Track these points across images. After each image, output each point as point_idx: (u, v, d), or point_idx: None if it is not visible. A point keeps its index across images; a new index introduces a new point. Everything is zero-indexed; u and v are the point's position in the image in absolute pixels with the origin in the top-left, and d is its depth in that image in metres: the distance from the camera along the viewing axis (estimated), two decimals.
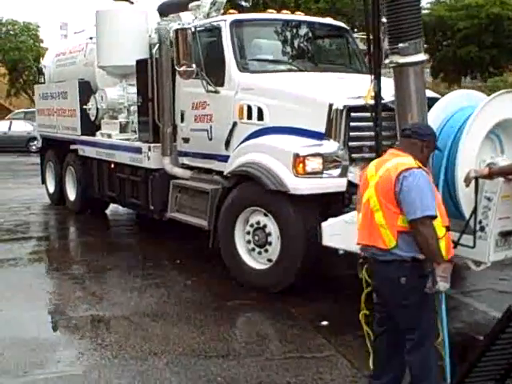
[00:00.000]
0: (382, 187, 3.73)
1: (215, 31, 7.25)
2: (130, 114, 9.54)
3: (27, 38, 34.89)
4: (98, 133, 10.10)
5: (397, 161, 3.78)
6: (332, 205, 6.17)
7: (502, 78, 25.97)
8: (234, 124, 6.90)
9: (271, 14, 7.82)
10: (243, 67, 7.04)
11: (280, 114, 6.46)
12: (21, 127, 27.02)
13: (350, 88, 6.60)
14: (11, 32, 35.52)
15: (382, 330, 3.98)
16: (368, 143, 6.15)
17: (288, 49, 7.73)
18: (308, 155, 5.96)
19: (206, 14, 8.53)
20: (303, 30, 7.79)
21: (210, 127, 7.32)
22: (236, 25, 7.25)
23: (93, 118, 10.30)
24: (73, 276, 7.08)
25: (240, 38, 7.20)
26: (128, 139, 9.29)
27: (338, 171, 6.06)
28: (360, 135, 6.17)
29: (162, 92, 7.98)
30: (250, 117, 6.75)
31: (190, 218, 7.67)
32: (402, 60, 4.40)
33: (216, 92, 7.15)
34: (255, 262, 6.50)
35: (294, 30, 7.74)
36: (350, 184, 6.06)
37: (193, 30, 7.03)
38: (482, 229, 4.90)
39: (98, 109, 10.09)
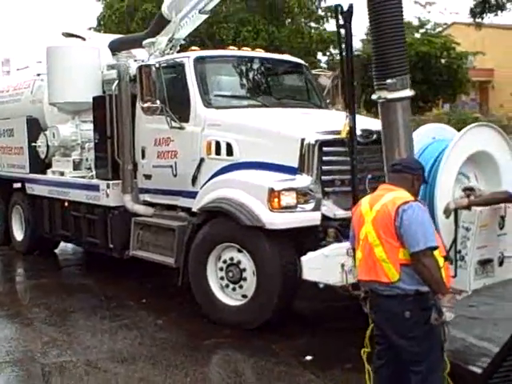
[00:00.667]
0: (381, 222, 3.77)
1: (178, 68, 7.24)
2: (84, 152, 9.33)
3: None
4: (48, 171, 9.82)
5: (393, 195, 3.83)
6: (306, 239, 6.18)
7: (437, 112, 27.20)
8: (202, 160, 6.86)
9: (233, 51, 7.88)
10: (208, 103, 7.04)
11: (250, 149, 6.48)
12: None
13: (317, 123, 6.73)
14: None
15: (381, 362, 3.99)
16: (340, 177, 6.26)
17: (250, 85, 7.81)
18: (282, 190, 5.99)
19: (161, 51, 8.58)
20: (264, 67, 7.88)
21: (175, 163, 7.25)
22: (199, 61, 7.26)
23: (43, 156, 10.02)
24: (35, 320, 6.79)
25: (204, 74, 7.21)
26: (82, 177, 9.08)
27: (311, 205, 6.10)
28: (332, 169, 6.25)
29: (122, 129, 7.86)
30: (218, 152, 6.73)
31: (154, 255, 7.53)
32: (390, 95, 4.51)
33: (181, 128, 7.10)
34: (229, 298, 6.42)
35: (256, 67, 7.84)
36: (324, 217, 6.11)
37: (157, 66, 6.97)
38: (462, 258, 5.04)
39: (48, 146, 9.82)
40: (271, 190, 5.97)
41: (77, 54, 9.26)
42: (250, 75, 7.80)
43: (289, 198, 6.01)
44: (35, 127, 10.27)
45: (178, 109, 7.13)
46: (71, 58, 9.20)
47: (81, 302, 7.52)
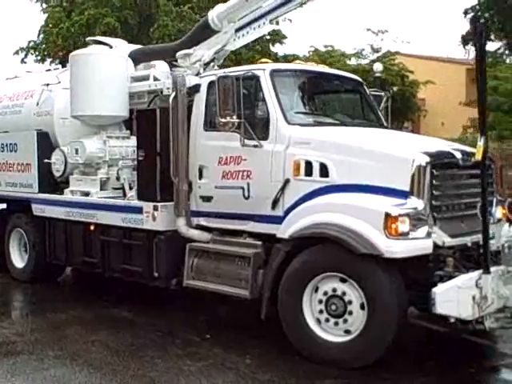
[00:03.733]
0: None
1: (252, 81, 6.64)
2: (111, 170, 8.54)
3: None
4: (67, 190, 8.90)
5: None
6: (413, 268, 5.72)
7: None
8: (287, 181, 6.29)
9: (307, 66, 7.38)
10: (290, 120, 6.47)
11: (350, 170, 5.97)
12: None
13: (415, 143, 6.31)
14: None
15: None
16: (450, 201, 5.86)
17: (324, 102, 7.32)
18: (399, 215, 5.49)
19: (203, 64, 8.00)
20: (335, 84, 7.42)
21: (248, 184, 6.63)
22: (276, 74, 6.71)
23: (58, 174, 9.11)
24: (102, 363, 5.94)
25: (282, 88, 6.65)
26: (112, 197, 8.29)
27: (423, 232, 5.65)
28: (442, 193, 5.83)
29: (177, 145, 7.16)
30: (308, 173, 6.17)
31: (217, 286, 6.88)
32: None
33: (257, 146, 6.49)
34: (328, 333, 5.85)
35: (328, 83, 7.36)
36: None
37: (236, 78, 6.36)
38: None
39: (66, 163, 8.93)
40: (388, 215, 5.47)
41: (105, 63, 8.55)
42: (325, 92, 7.31)
43: (404, 224, 5.53)
44: (46, 142, 9.36)
45: (255, 125, 6.55)
46: (99, 66, 8.47)
47: (137, 338, 6.72)
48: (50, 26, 29.26)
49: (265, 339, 6.53)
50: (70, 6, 28.84)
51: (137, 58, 9.13)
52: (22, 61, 30.33)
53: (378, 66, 8.52)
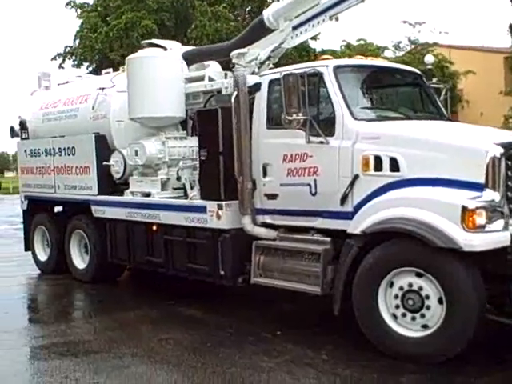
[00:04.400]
0: None
1: (316, 77, 6.64)
2: (171, 170, 8.64)
3: None
4: (127, 191, 9.03)
5: None
6: (490, 261, 5.67)
7: None
8: (356, 177, 6.28)
9: (369, 61, 7.37)
10: (356, 115, 6.46)
11: (421, 164, 5.94)
12: None
13: (486, 135, 6.26)
14: None
15: None
16: None
17: (388, 96, 7.30)
18: (476, 208, 5.45)
19: (260, 63, 8.04)
20: (396, 77, 7.40)
21: (315, 181, 6.64)
22: (339, 70, 6.70)
23: (118, 176, 9.26)
24: (179, 360, 6.04)
25: (346, 84, 6.65)
26: (173, 197, 8.40)
27: (501, 224, 5.60)
28: None
29: (241, 144, 7.21)
30: (378, 168, 6.16)
31: (286, 283, 6.90)
32: None
33: (323, 142, 6.50)
34: (404, 328, 5.83)
35: (390, 77, 7.35)
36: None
37: (300, 75, 6.38)
38: None
39: (125, 165, 9.07)
40: (465, 209, 5.44)
41: (161, 65, 8.66)
42: (387, 86, 7.29)
43: (481, 217, 5.49)
44: (104, 145, 9.51)
45: (320, 122, 6.56)
46: (156, 68, 8.58)
47: (209, 335, 6.80)
48: (86, 30, 29.73)
49: (337, 335, 6.56)
50: (104, 10, 29.24)
51: (190, 59, 9.22)
52: (60, 66, 30.85)
53: (429, 58, 8.47)
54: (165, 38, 22.27)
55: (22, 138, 11.45)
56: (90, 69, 29.24)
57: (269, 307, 7.87)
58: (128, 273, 10.37)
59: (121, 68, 10.16)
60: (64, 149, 10.16)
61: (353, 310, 6.12)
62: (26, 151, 11.17)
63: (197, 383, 5.44)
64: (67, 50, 31.64)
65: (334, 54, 23.48)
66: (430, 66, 7.62)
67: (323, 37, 37.27)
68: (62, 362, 6.07)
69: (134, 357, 6.17)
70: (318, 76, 6.62)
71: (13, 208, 28.29)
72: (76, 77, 12.24)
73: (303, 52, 23.46)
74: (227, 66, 10.27)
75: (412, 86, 7.59)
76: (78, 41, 30.74)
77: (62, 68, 29.87)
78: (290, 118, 6.38)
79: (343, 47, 31.92)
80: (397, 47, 27.12)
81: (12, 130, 12.02)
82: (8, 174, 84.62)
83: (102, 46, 26.12)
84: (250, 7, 25.98)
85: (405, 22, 28.57)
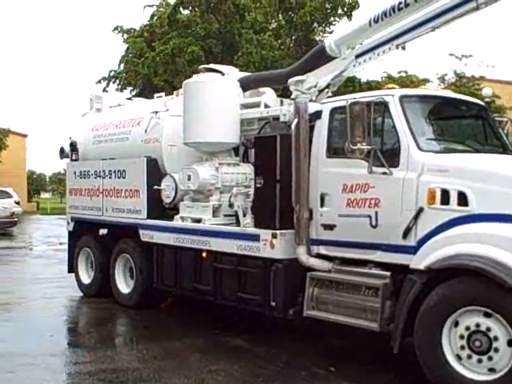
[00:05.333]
0: None
1: (381, 106, 6.48)
2: (223, 197, 8.52)
3: None
4: (177, 217, 8.93)
5: None
6: None
7: None
8: (420, 209, 6.06)
9: (435, 91, 7.21)
10: (422, 147, 6.27)
11: (491, 199, 5.70)
12: None
13: None
14: None
15: None
16: None
17: (455, 128, 7.09)
18: None
19: (319, 90, 7.95)
20: (463, 109, 7.21)
21: (376, 213, 6.44)
22: (405, 100, 6.53)
23: (168, 200, 9.17)
24: None
25: (411, 114, 6.47)
26: (224, 224, 8.26)
27: None
28: None
29: (299, 172, 7.06)
30: (445, 202, 5.93)
31: (341, 317, 6.68)
32: None
33: (387, 173, 6.31)
34: (470, 371, 5.54)
35: (455, 108, 7.14)
36: None
37: (367, 103, 6.22)
38: None
39: (176, 190, 8.98)
40: None
41: (219, 90, 8.59)
42: (452, 117, 7.10)
43: None
44: (155, 168, 9.45)
45: (384, 152, 6.37)
46: (213, 93, 8.52)
47: (260, 368, 6.62)
48: (131, 55, 30.17)
49: (393, 373, 6.31)
50: (150, 36, 29.65)
51: (246, 85, 9.16)
52: (104, 89, 31.27)
53: (487, 91, 8.27)
54: (211, 64, 22.50)
55: (71, 160, 11.47)
56: (134, 93, 29.63)
57: (318, 340, 7.66)
58: (170, 299, 10.18)
59: (174, 92, 10.16)
60: (114, 171, 10.12)
61: (410, 348, 5.87)
62: (75, 172, 11.19)
63: None
64: (111, 73, 32.14)
65: (379, 84, 23.30)
66: (488, 99, 7.46)
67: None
68: None
69: None
70: (384, 105, 6.46)
71: (51, 228, 28.75)
72: (126, 100, 12.30)
73: (348, 82, 23.34)
74: (282, 93, 10.26)
75: (477, 118, 7.37)
76: (122, 65, 31.21)
77: (106, 91, 30.26)
78: (354, 147, 6.21)
79: (384, 78, 31.68)
80: (442, 80, 26.83)
81: (62, 151, 12.09)
82: (44, 195, 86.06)
83: (147, 71, 26.40)
84: (296, 36, 26.03)
85: (451, 54, 28.26)
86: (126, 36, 32.20)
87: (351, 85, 23.03)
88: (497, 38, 67.33)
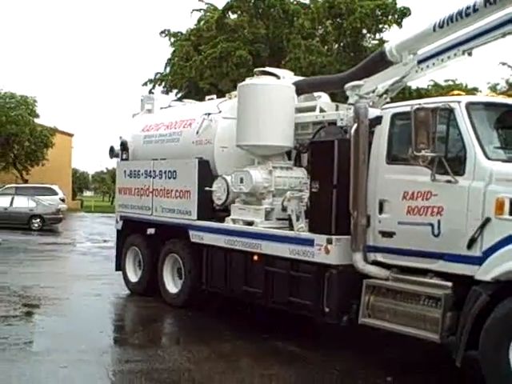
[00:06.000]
0: None
1: (446, 113, 6.31)
2: (275, 200, 8.44)
3: (24, 111, 33.62)
4: (228, 219, 8.87)
5: None
6: None
7: None
8: (487, 220, 5.87)
9: (502, 99, 7.00)
10: (490, 155, 6.08)
11: None
12: (23, 203, 25.39)
13: None
14: (8, 105, 34.26)
15: None
16: None
17: None
18: None
19: (378, 96, 7.83)
20: None
21: (438, 221, 6.27)
22: (472, 107, 6.35)
23: (219, 202, 9.13)
24: None
25: (478, 121, 6.29)
26: (276, 228, 8.17)
27: None
28: None
29: (358, 178, 6.93)
30: None
31: (398, 326, 6.53)
32: None
33: (452, 182, 6.13)
34: None
35: None
36: None
37: (432, 109, 6.06)
38: None
39: (228, 192, 8.93)
40: None
41: (275, 93, 8.51)
42: None
43: None
44: (206, 170, 9.42)
45: (449, 160, 6.20)
46: (269, 96, 8.44)
47: (315, 374, 6.53)
48: (177, 58, 30.41)
49: None
50: (197, 40, 29.85)
51: (300, 89, 9.07)
52: (150, 91, 31.59)
53: None
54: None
55: (121, 159, 11.54)
56: (179, 95, 29.85)
57: (371, 350, 7.52)
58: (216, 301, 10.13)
59: (227, 95, 10.14)
60: (165, 171, 10.13)
61: (469, 361, 5.68)
62: (125, 172, 11.24)
63: None
64: (158, 76, 32.46)
65: (428, 92, 23.01)
66: None
67: None
68: None
69: None
70: (450, 111, 6.29)
71: (95, 226, 29.16)
72: (176, 101, 12.33)
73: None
74: (334, 98, 10.14)
75: None
76: (168, 68, 31.50)
77: (152, 93, 30.55)
78: (418, 153, 6.06)
79: (431, 86, 31.21)
80: (493, 89, 26.29)
81: (112, 150, 12.17)
82: (87, 193, 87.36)
83: (193, 74, 26.57)
84: (344, 42, 25.88)
85: (503, 63, 27.67)
86: (172, 39, 32.51)
87: (401, 92, 22.76)
88: None
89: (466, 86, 27.40)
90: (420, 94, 21.99)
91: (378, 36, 26.44)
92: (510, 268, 5.54)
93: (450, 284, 6.19)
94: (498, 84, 27.66)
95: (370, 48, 25.67)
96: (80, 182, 70.52)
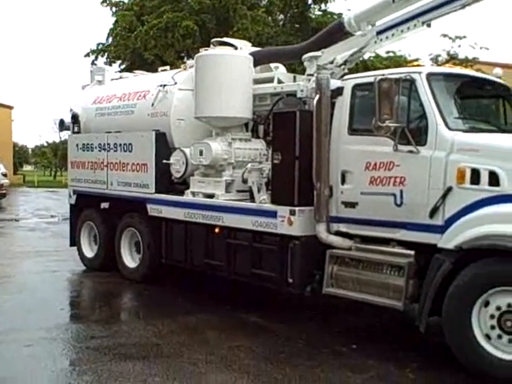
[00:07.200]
0: None
1: (407, 83, 6.38)
2: (235, 172, 8.42)
3: None
4: (188, 192, 8.81)
5: None
6: None
7: None
8: (449, 189, 6.01)
9: (462, 70, 7.12)
10: (451, 125, 6.21)
11: None
12: None
13: None
14: None
15: None
16: None
17: (480, 107, 7.04)
18: None
19: (336, 67, 7.88)
20: (487, 89, 7.14)
21: (401, 191, 6.39)
22: (433, 78, 6.45)
23: (178, 175, 9.04)
24: (248, 369, 5.83)
25: (439, 92, 6.40)
26: (237, 200, 8.18)
27: None
28: None
29: (320, 149, 6.98)
30: (475, 181, 5.88)
31: (361, 295, 6.67)
32: None
33: (414, 152, 6.25)
34: (499, 351, 5.56)
35: (481, 88, 7.08)
36: None
37: (395, 80, 6.13)
38: None
39: (187, 164, 8.85)
40: None
41: (233, 64, 8.43)
42: (478, 97, 7.05)
43: None
44: (163, 142, 9.31)
45: (411, 130, 6.30)
46: (227, 67, 8.35)
47: (281, 345, 6.58)
48: (120, 29, 29.61)
49: (416, 352, 6.31)
50: (140, 10, 29.11)
51: (257, 60, 9.01)
52: (93, 63, 30.72)
53: (497, 71, 8.04)
54: (205, 39, 22.18)
55: (73, 132, 11.26)
56: (122, 67, 29.15)
57: (335, 319, 7.67)
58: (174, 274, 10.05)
59: (182, 66, 9.99)
60: (120, 144, 9.95)
61: (432, 327, 5.91)
62: (77, 145, 10.98)
63: None
64: (100, 47, 31.57)
65: (373, 64, 23.20)
66: (498, 80, 7.30)
67: None
68: (135, 365, 5.84)
69: (209, 364, 5.93)
70: (411, 82, 6.37)
71: (39, 201, 28.49)
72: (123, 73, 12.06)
73: None
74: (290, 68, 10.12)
75: (500, 99, 7.30)
76: (111, 39, 30.66)
77: (95, 65, 29.74)
78: (382, 124, 6.12)
79: (372, 58, 31.45)
80: (435, 61, 26.70)
81: (62, 123, 11.90)
82: (27, 168, 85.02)
83: (138, 45, 25.98)
84: (290, 13, 25.77)
85: (445, 35, 28.06)
86: (114, 9, 31.59)
87: None
88: (491, 20, 66.86)
89: (408, 58, 27.66)
90: (366, 65, 22.11)
91: (323, 7, 26.42)
92: (472, 236, 5.69)
93: (412, 252, 6.33)
94: (439, 55, 28.06)
95: (315, 19, 25.67)
96: (20, 156, 68.45)
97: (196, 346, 6.44)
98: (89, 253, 10.88)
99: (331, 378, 5.62)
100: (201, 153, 8.50)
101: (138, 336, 6.79)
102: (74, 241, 11.20)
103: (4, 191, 25.52)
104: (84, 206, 11.02)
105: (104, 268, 10.38)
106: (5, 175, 26.36)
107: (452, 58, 26.66)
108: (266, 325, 7.37)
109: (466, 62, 25.48)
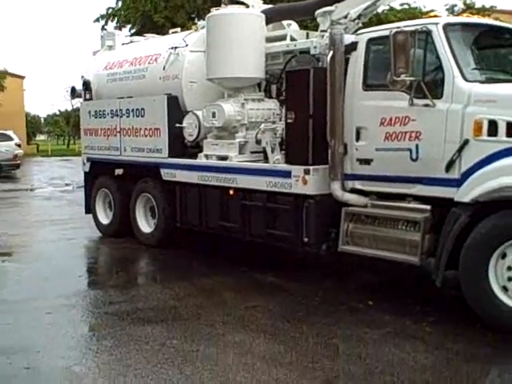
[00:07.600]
0: None
1: (424, 35, 6.20)
2: (249, 133, 8.33)
3: None
4: (201, 154, 8.74)
5: None
6: None
7: None
8: (466, 142, 5.88)
9: (480, 19, 6.92)
10: (468, 77, 6.05)
11: None
12: None
13: None
14: None
15: None
16: None
17: (499, 57, 6.85)
18: None
19: (350, 21, 7.69)
20: (506, 37, 6.91)
21: (416, 146, 6.27)
22: (450, 29, 6.27)
23: (191, 138, 8.97)
24: (265, 328, 5.84)
25: (456, 43, 6.22)
26: (251, 161, 8.10)
27: None
28: None
29: (334, 106, 6.85)
30: (492, 133, 5.75)
31: (378, 251, 6.61)
32: None
33: (429, 105, 6.10)
34: None
35: (499, 37, 6.87)
36: None
37: (411, 32, 5.97)
38: None
39: (200, 127, 8.76)
40: None
41: (245, 23, 8.28)
42: (497, 46, 6.86)
43: None
44: (176, 106, 9.21)
45: (427, 83, 6.15)
46: (239, 27, 8.20)
47: (297, 304, 6.57)
48: None
49: (432, 306, 6.28)
50: None
51: (269, 18, 8.83)
52: (103, 28, 30.44)
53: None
54: None
55: (85, 99, 11.19)
56: (133, 31, 28.87)
57: (351, 277, 7.68)
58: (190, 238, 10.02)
59: (193, 27, 9.85)
60: (132, 110, 9.87)
61: (448, 281, 5.88)
62: (90, 112, 10.92)
63: (301, 355, 5.13)
64: (109, 11, 31.25)
65: (387, 17, 22.71)
66: None
67: None
68: (153, 328, 5.84)
69: (227, 325, 5.93)
70: (428, 34, 6.19)
71: (53, 170, 28.63)
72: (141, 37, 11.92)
73: None
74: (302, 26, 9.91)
75: None
76: (120, 2, 30.34)
77: (105, 30, 29.48)
78: (397, 78, 5.98)
79: (386, 11, 30.72)
80: (451, 11, 26.08)
81: (73, 90, 11.82)
82: (40, 137, 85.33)
83: (148, 8, 25.72)
84: None
85: None
86: None
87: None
88: None
89: (423, 9, 27.03)
90: (380, 19, 21.64)
91: None
92: (489, 189, 5.59)
93: (428, 207, 6.24)
94: (455, 5, 27.46)
95: None
96: (32, 125, 68.56)
97: (213, 308, 6.44)
98: (104, 219, 10.90)
99: (348, 334, 5.60)
100: (213, 115, 8.41)
101: (155, 300, 6.80)
102: (89, 208, 11.22)
103: (18, 161, 25.62)
104: (98, 174, 11.01)
105: (119, 234, 10.40)
106: (18, 145, 26.41)
107: (469, 8, 26.03)
108: (282, 284, 7.36)
109: (483, 12, 24.87)
